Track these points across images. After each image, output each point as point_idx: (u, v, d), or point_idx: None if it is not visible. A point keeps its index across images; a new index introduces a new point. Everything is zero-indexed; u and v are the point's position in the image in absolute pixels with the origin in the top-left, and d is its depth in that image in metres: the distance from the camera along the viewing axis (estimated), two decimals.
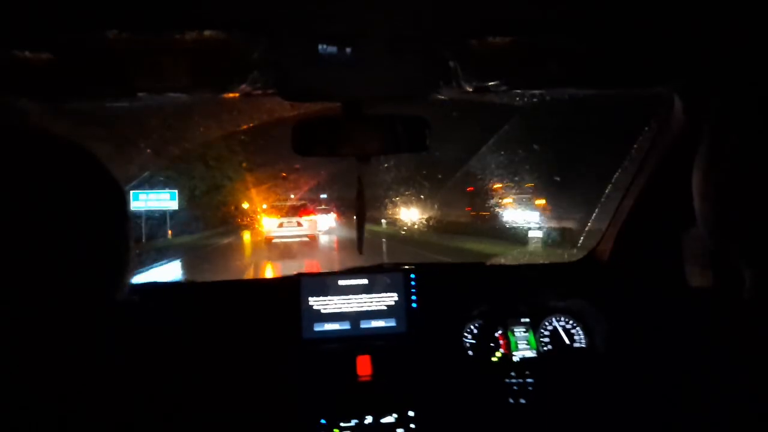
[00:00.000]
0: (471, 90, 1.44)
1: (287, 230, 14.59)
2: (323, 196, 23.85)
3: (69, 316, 0.71)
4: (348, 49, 1.26)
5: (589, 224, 1.95)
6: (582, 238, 2.00)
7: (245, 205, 18.46)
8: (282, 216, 14.80)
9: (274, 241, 13.99)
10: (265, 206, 16.25)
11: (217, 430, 1.47)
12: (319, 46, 1.24)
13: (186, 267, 12.04)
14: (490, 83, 1.44)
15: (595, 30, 1.23)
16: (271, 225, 14.61)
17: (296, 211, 15.17)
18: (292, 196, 20.36)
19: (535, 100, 1.67)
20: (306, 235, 14.52)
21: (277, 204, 15.78)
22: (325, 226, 18.86)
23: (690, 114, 1.46)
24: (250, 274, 10.34)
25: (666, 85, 1.48)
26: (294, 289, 1.62)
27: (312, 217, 15.21)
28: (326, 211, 20.45)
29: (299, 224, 14.72)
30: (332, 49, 1.25)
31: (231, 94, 1.40)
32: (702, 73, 1.35)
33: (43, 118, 1.44)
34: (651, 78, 1.44)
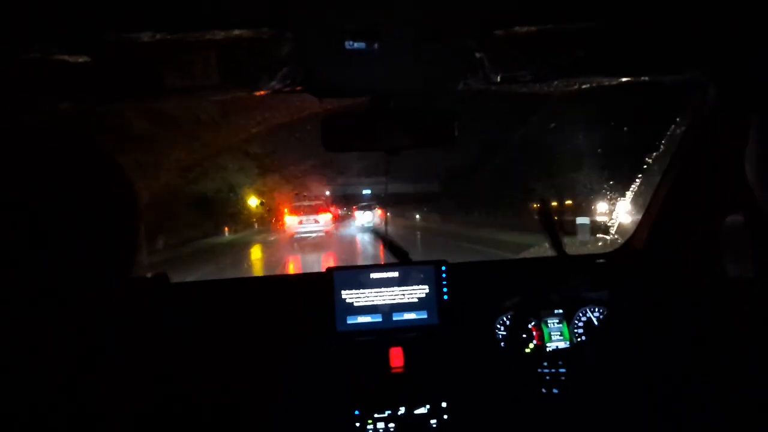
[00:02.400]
0: (498, 80, 1.44)
1: (306, 227, 16.10)
2: (366, 191, 21.86)
3: (90, 291, 0.73)
4: (375, 44, 1.27)
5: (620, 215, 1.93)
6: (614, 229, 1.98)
7: (253, 201, 18.10)
8: (301, 215, 16.46)
9: (295, 236, 15.79)
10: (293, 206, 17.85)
11: (255, 420, 1.50)
12: (346, 42, 1.25)
13: None
14: (516, 73, 1.44)
15: (624, 15, 1.21)
16: (292, 222, 16.33)
17: (314, 210, 16.63)
18: (327, 193, 20.51)
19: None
20: (322, 231, 16.21)
21: (297, 205, 17.33)
22: (368, 222, 19.83)
23: (726, 100, 1.43)
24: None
25: (700, 71, 1.46)
26: (327, 283, 1.64)
27: (327, 214, 16.86)
28: (369, 208, 20.75)
29: (316, 221, 16.26)
30: (359, 44, 1.26)
31: (261, 92, 1.42)
32: (738, 57, 1.32)
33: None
34: (683, 63, 1.42)
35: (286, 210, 17.13)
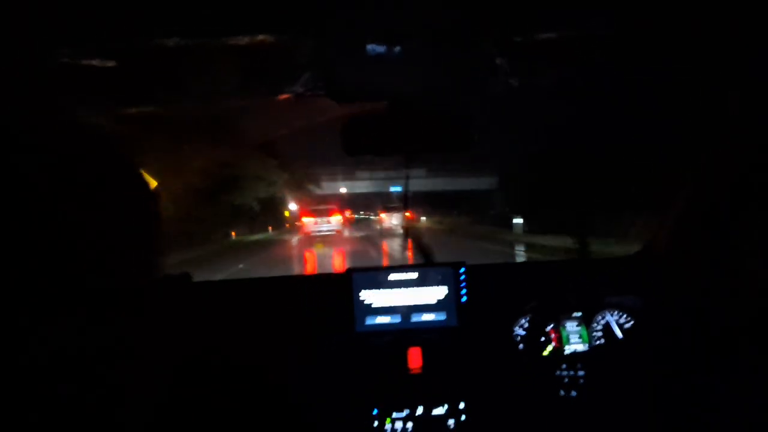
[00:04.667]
0: (517, 86, 1.45)
1: (320, 226, 19.37)
2: (395, 189, 20.75)
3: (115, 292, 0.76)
4: (395, 49, 1.28)
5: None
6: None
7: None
8: (316, 216, 19.78)
9: (312, 234, 19.21)
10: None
11: (273, 418, 1.52)
12: (367, 47, 1.27)
13: None
14: (536, 79, 1.45)
15: (641, 20, 1.22)
16: (309, 222, 19.68)
17: (327, 212, 19.92)
18: (344, 190, 21.57)
19: None
20: (334, 230, 19.43)
21: (313, 209, 20.45)
22: (395, 224, 20.83)
23: (749, 101, 1.42)
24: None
25: (720, 73, 1.45)
26: (346, 284, 1.65)
27: (338, 216, 20.03)
28: (397, 209, 20.87)
29: (329, 222, 19.51)
30: (380, 49, 1.28)
31: (283, 96, 1.45)
32: (754, 62, 1.32)
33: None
34: (702, 66, 1.41)
35: (290, 212, 20.86)
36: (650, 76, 1.60)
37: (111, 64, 1.32)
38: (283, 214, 26.52)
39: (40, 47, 1.23)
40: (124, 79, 1.38)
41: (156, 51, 1.27)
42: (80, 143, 0.75)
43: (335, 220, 19.63)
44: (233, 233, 19.61)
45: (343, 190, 23.70)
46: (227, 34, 1.21)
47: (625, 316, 1.70)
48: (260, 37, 1.22)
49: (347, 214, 23.55)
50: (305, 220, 19.99)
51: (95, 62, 1.31)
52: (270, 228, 24.25)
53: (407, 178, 1.69)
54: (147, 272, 0.84)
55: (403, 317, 1.65)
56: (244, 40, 1.23)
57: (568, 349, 1.68)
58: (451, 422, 1.55)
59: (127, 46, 1.25)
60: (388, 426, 1.54)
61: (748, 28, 1.22)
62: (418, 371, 1.59)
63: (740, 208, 1.44)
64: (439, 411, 1.55)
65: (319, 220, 19.53)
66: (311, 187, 23.66)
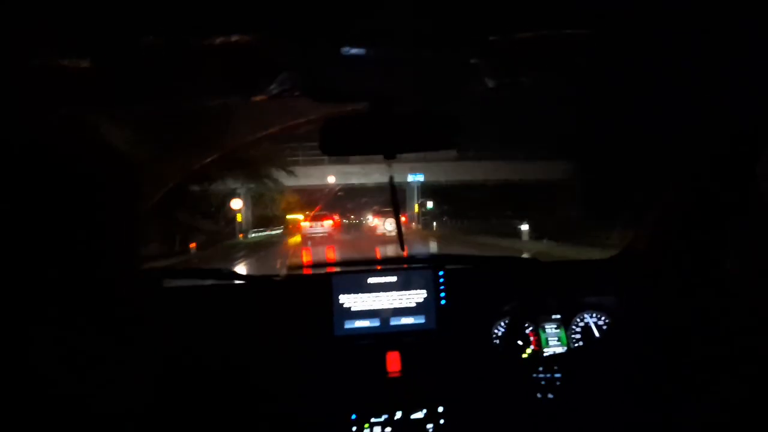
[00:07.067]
0: (494, 86, 1.45)
1: (314, 229, 24.36)
2: (415, 178, 21.32)
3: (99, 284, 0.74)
4: (373, 49, 1.27)
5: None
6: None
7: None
8: (312, 221, 25.33)
9: (309, 234, 24.23)
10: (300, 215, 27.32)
11: (251, 423, 1.51)
12: (344, 47, 1.26)
13: None
14: (513, 79, 1.44)
15: (621, 20, 1.21)
16: (306, 226, 25.24)
17: (320, 218, 25.57)
18: (332, 179, 25.56)
19: None
20: (326, 232, 24.27)
21: (309, 214, 26.30)
22: (389, 230, 21.10)
23: (732, 102, 1.41)
24: None
25: (701, 77, 1.44)
26: (325, 287, 1.64)
27: (330, 221, 25.48)
28: (388, 215, 19.93)
29: (322, 225, 24.76)
30: (357, 49, 1.27)
31: (260, 97, 1.43)
32: (738, 59, 1.31)
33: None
34: (684, 69, 1.41)
35: (302, 217, 26.80)
36: (631, 77, 1.60)
37: (85, 64, 1.30)
38: (233, 218, 22.65)
39: (10, 50, 1.21)
40: (98, 80, 1.37)
41: (130, 51, 1.25)
42: (73, 144, 0.74)
43: (327, 224, 25.04)
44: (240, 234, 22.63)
45: (331, 179, 24.80)
46: (201, 34, 1.20)
47: (603, 317, 1.69)
48: (235, 37, 1.21)
49: (336, 217, 28.30)
50: (303, 224, 25.84)
51: (68, 63, 1.29)
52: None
53: (392, 179, 1.66)
54: (128, 267, 0.83)
55: (382, 321, 1.65)
56: (218, 40, 1.22)
57: (547, 352, 1.67)
58: (429, 426, 1.54)
59: (100, 47, 1.24)
60: (366, 431, 1.53)
61: (731, 32, 1.21)
62: (397, 375, 1.58)
63: (720, 211, 1.44)
64: (417, 415, 1.54)
65: (314, 224, 24.96)
66: (277, 172, 19.23)
